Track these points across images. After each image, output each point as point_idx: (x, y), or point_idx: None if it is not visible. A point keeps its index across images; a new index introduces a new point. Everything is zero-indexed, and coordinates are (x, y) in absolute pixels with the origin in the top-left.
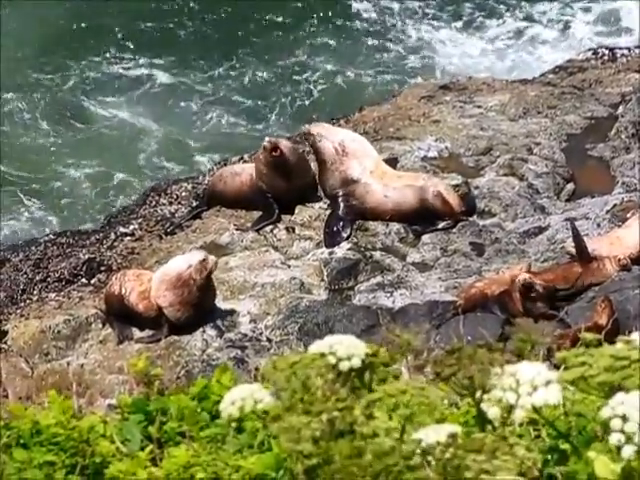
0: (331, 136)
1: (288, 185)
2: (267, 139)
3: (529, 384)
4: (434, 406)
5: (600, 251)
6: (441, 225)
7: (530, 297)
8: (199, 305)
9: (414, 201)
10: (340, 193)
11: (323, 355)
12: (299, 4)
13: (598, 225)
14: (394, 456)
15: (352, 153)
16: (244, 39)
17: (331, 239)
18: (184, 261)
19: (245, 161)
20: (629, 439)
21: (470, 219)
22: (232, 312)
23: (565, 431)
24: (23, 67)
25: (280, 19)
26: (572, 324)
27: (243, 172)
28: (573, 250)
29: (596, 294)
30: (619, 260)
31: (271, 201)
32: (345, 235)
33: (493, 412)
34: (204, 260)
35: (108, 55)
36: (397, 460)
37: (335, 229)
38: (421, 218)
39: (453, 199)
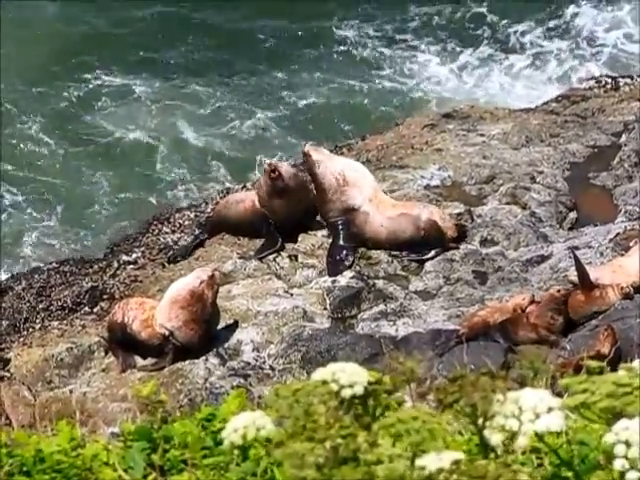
0: (331, 165)
1: (287, 209)
2: (267, 162)
3: (531, 411)
4: (445, 433)
5: (603, 279)
6: (432, 254)
7: (556, 309)
8: (209, 324)
9: (409, 230)
10: (340, 221)
11: (326, 382)
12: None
13: (601, 254)
14: None
15: (352, 182)
16: (244, 62)
17: (334, 268)
18: (194, 278)
19: (248, 189)
20: (633, 465)
21: (471, 247)
22: (235, 340)
23: (567, 459)
24: (24, 79)
25: (276, 46)
26: (575, 352)
27: (246, 199)
28: (576, 279)
29: (599, 322)
30: (622, 288)
31: (273, 228)
32: (348, 263)
33: (496, 439)
34: (212, 276)
35: (111, 67)
36: None
37: (338, 257)
38: (416, 246)
39: (447, 226)
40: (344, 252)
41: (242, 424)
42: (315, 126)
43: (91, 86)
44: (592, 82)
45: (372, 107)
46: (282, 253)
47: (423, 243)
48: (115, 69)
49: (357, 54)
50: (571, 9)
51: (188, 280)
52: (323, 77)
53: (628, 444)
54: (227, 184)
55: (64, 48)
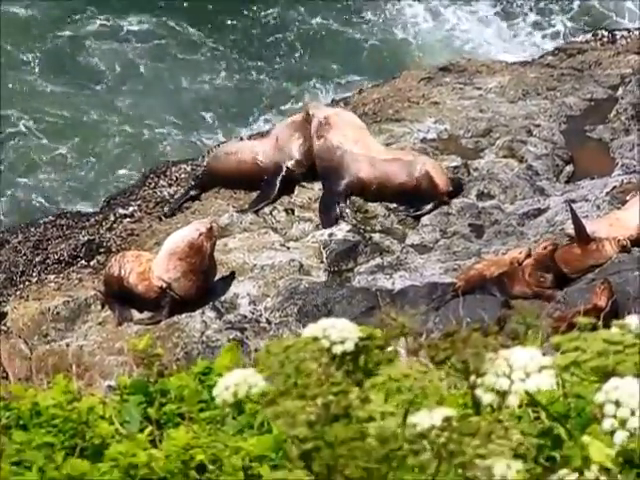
0: (318, 112)
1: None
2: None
3: (522, 370)
4: (437, 389)
5: (599, 233)
6: (427, 208)
7: (544, 267)
8: (207, 275)
9: (401, 176)
10: (328, 165)
11: (316, 339)
12: None
13: (597, 207)
14: (398, 440)
15: (334, 124)
16: (247, 23)
17: (326, 217)
18: (192, 230)
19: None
20: (622, 424)
21: (467, 201)
22: (231, 294)
23: (564, 413)
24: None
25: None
26: (571, 306)
27: (240, 151)
28: (572, 232)
29: (595, 276)
30: (619, 241)
31: (279, 178)
32: (339, 211)
33: (487, 397)
34: (211, 228)
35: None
36: (401, 444)
37: (329, 207)
38: (406, 194)
39: (440, 179)
40: (335, 201)
41: (233, 382)
42: (310, 78)
43: (85, 28)
44: (589, 35)
45: (370, 59)
46: (278, 207)
47: (413, 192)
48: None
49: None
50: None
51: (186, 232)
52: (321, 24)
53: (618, 404)
54: (221, 135)
55: None
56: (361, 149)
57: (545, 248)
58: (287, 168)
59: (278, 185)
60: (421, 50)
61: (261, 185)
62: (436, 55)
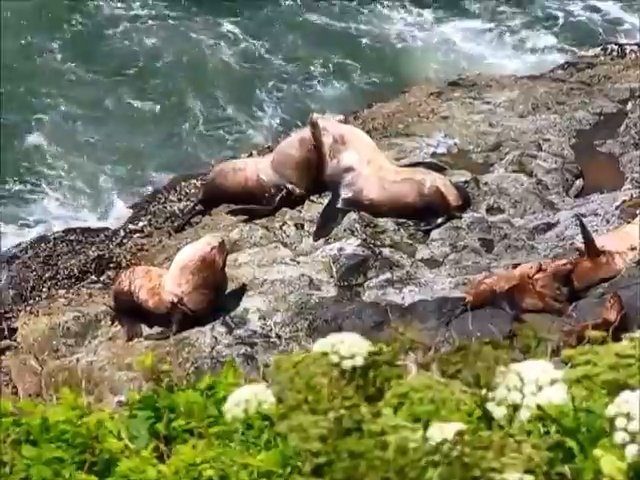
0: (333, 128)
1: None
2: (314, 115)
3: (534, 383)
4: (458, 401)
5: (609, 247)
6: (437, 222)
7: (562, 281)
8: (218, 289)
9: (411, 195)
10: (340, 183)
11: (326, 354)
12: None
13: (607, 221)
14: (418, 452)
15: (350, 142)
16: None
17: (322, 229)
18: (204, 244)
19: (250, 156)
20: (633, 438)
21: (477, 215)
22: (241, 309)
23: (574, 427)
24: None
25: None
26: (581, 320)
27: (247, 167)
28: (582, 246)
29: (605, 290)
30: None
31: (277, 199)
32: (334, 227)
33: (498, 412)
34: (223, 242)
35: None
36: (420, 456)
37: (327, 220)
38: (418, 213)
39: (450, 194)
40: (336, 215)
41: (244, 398)
42: (320, 96)
43: (102, 12)
44: (598, 49)
45: (379, 73)
46: (288, 221)
47: (425, 210)
48: None
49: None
50: None
51: (198, 246)
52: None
53: (629, 417)
54: (232, 152)
55: None
56: (373, 170)
57: (565, 265)
58: (286, 189)
59: (276, 204)
60: (430, 64)
61: (264, 202)
62: (446, 69)
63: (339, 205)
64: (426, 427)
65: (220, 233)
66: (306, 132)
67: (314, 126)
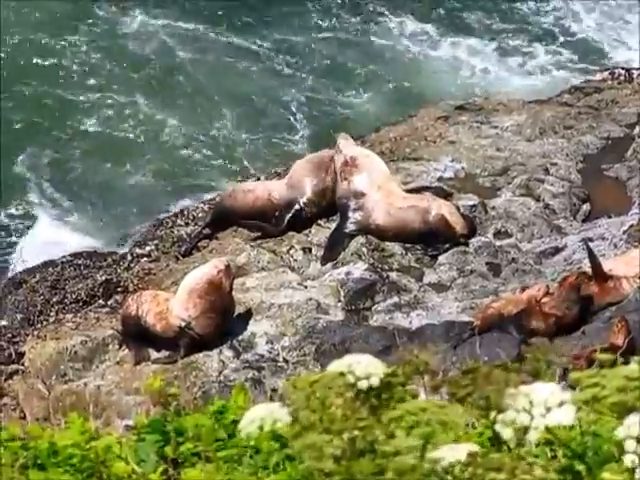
0: (348, 150)
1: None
2: (341, 134)
3: (543, 405)
4: (454, 424)
5: (617, 271)
6: (444, 248)
7: (572, 298)
8: (226, 313)
9: (416, 222)
10: (349, 206)
11: (342, 374)
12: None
13: (615, 245)
14: (415, 474)
15: (362, 166)
16: (265, 50)
17: (329, 253)
18: (211, 267)
19: (259, 179)
20: None
21: (484, 239)
22: (249, 333)
23: (581, 451)
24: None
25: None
26: (589, 344)
27: (256, 188)
28: (589, 270)
29: (613, 314)
30: (638, 278)
31: (289, 215)
32: (341, 251)
33: (508, 433)
34: (229, 265)
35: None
36: (418, 478)
37: (335, 243)
38: (423, 239)
39: (456, 222)
40: (343, 239)
41: (259, 416)
42: (328, 120)
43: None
44: (606, 73)
45: (386, 97)
46: (296, 245)
47: (430, 236)
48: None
49: (373, 42)
50: None
51: (205, 270)
52: (338, 62)
53: (638, 440)
54: (238, 176)
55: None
56: (381, 196)
57: (576, 279)
58: (299, 206)
59: (287, 221)
60: (438, 88)
61: (273, 221)
62: (453, 92)
63: (347, 229)
64: (424, 450)
65: (227, 257)
66: (325, 152)
67: (337, 145)
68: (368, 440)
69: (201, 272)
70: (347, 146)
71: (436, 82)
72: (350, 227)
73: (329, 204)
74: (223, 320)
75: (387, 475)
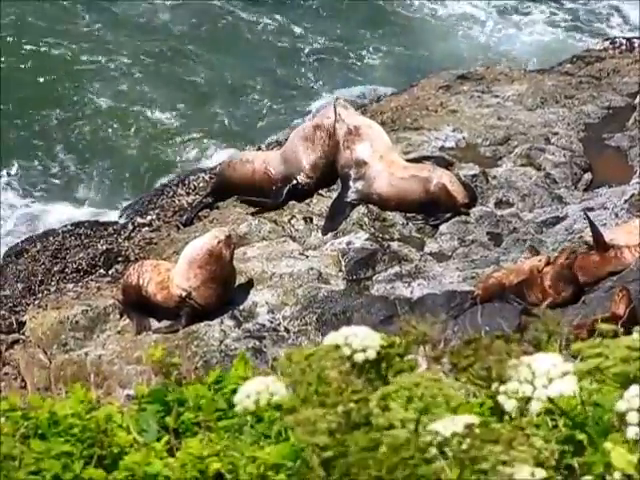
0: (350, 119)
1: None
2: (339, 100)
3: (545, 376)
4: (449, 397)
5: (618, 240)
6: (445, 217)
7: (567, 277)
8: (227, 283)
9: (418, 191)
10: (351, 175)
11: (338, 347)
12: None
13: (616, 215)
14: (410, 449)
15: (365, 135)
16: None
17: (331, 223)
18: (211, 238)
19: (259, 148)
20: None
21: (486, 209)
22: (250, 302)
23: (582, 421)
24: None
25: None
26: (590, 313)
27: (255, 159)
28: (591, 240)
29: (614, 284)
30: (639, 247)
31: (285, 190)
32: (342, 220)
33: (510, 404)
34: (229, 235)
35: None
36: (413, 453)
37: (337, 213)
38: (424, 209)
39: (457, 191)
40: (345, 209)
41: (255, 390)
42: (329, 89)
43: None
44: (607, 43)
45: (387, 66)
46: (297, 215)
47: (431, 206)
48: None
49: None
50: None
51: (205, 240)
52: (339, 35)
53: None
54: (240, 147)
55: None
56: (383, 165)
57: (567, 258)
58: (295, 180)
59: (284, 196)
60: (438, 60)
61: (271, 195)
62: (455, 61)
63: (348, 198)
64: (417, 424)
65: (229, 227)
66: (321, 119)
67: (335, 112)
68: (363, 413)
69: (201, 242)
70: (349, 115)
71: (437, 48)
72: (351, 196)
73: (325, 175)
74: (224, 290)
75: (381, 449)
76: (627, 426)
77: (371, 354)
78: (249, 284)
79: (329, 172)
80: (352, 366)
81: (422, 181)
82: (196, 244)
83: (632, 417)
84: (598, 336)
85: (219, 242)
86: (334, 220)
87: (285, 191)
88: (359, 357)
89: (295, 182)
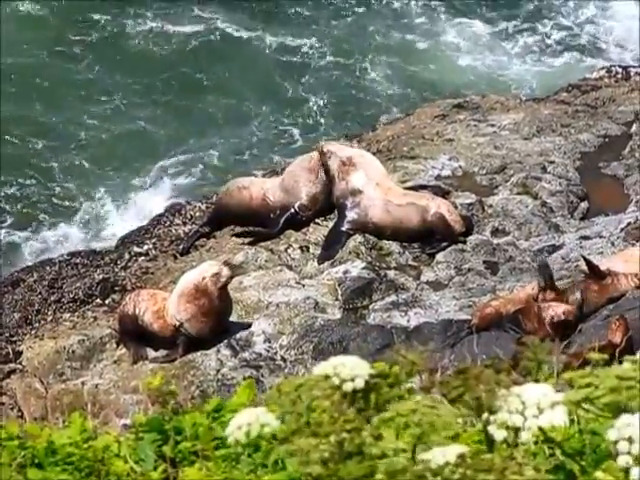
0: (341, 152)
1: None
2: (321, 144)
3: (535, 406)
4: (446, 425)
5: (615, 268)
6: (441, 246)
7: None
8: (219, 315)
9: (415, 220)
10: (347, 205)
11: (328, 377)
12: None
13: (612, 244)
14: (406, 476)
15: (358, 164)
16: (263, 55)
17: (326, 252)
18: (198, 273)
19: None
20: (637, 461)
21: (482, 237)
22: (247, 331)
23: (579, 449)
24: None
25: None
26: (586, 342)
27: (251, 186)
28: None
29: (610, 312)
30: (636, 275)
31: (283, 219)
32: (339, 250)
33: (500, 434)
34: (217, 273)
35: None
36: (410, 479)
37: (333, 243)
38: (421, 237)
39: (455, 221)
40: (340, 239)
41: (246, 421)
42: (325, 118)
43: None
44: (603, 72)
45: (382, 97)
46: (293, 244)
47: (428, 235)
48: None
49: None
50: None
51: (195, 274)
52: (333, 60)
53: (631, 440)
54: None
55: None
56: (379, 193)
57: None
58: (294, 210)
59: (282, 225)
60: (435, 86)
61: (268, 222)
62: (451, 90)
63: (344, 227)
64: (414, 451)
65: (225, 256)
66: (316, 155)
67: (322, 154)
68: (356, 443)
69: (191, 276)
70: (340, 149)
71: (435, 73)
72: (347, 225)
73: (323, 208)
74: (216, 322)
75: (377, 476)
76: (617, 455)
77: (359, 383)
78: (246, 313)
79: (328, 203)
80: (343, 396)
81: (420, 209)
82: (187, 277)
83: (622, 446)
84: (590, 365)
85: (204, 278)
86: (330, 249)
87: (283, 220)
88: (348, 386)
89: (293, 212)
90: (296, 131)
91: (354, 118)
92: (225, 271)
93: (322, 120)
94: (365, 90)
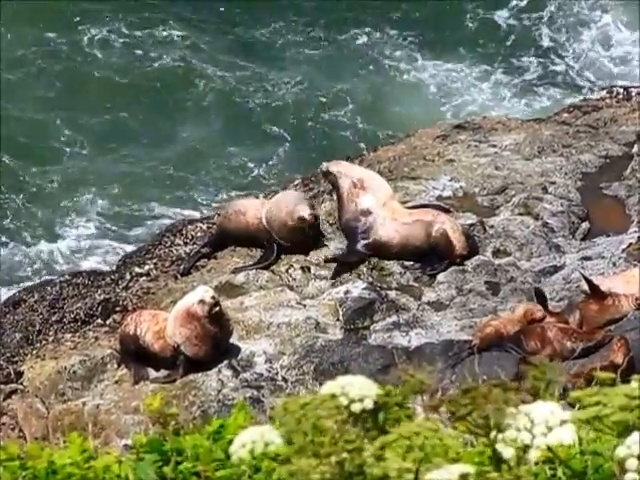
0: (350, 172)
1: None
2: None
3: (543, 424)
4: (448, 447)
5: (616, 289)
6: (442, 267)
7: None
8: (214, 339)
9: (420, 236)
10: (358, 227)
11: (335, 396)
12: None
13: (614, 264)
14: None
15: (369, 187)
16: (256, 75)
17: (340, 273)
18: (191, 297)
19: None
20: None
21: (483, 258)
22: (248, 352)
23: (581, 470)
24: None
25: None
26: (588, 362)
27: (248, 210)
28: (588, 289)
29: (612, 333)
30: (636, 299)
31: (275, 246)
32: (351, 270)
33: (508, 452)
34: (201, 300)
35: None
36: None
37: (346, 265)
38: (424, 254)
39: (457, 239)
40: (354, 260)
41: (250, 439)
42: (326, 139)
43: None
44: (604, 92)
45: (384, 117)
46: (294, 264)
47: (430, 252)
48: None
49: (367, 60)
50: None
51: (188, 298)
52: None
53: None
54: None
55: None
56: (387, 213)
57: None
58: (277, 242)
59: (275, 252)
60: (435, 108)
61: (265, 247)
62: (450, 113)
63: (359, 248)
64: (417, 473)
65: (226, 276)
66: (290, 194)
67: (327, 174)
68: (357, 463)
69: (186, 299)
70: (350, 168)
71: (430, 106)
72: (362, 248)
73: (304, 245)
74: (213, 345)
75: None
76: (625, 473)
77: (368, 404)
78: (246, 333)
79: (307, 244)
80: (349, 416)
81: (425, 225)
82: (183, 300)
83: (631, 464)
84: (596, 384)
85: (193, 303)
86: (344, 270)
87: (276, 247)
88: (356, 407)
89: (276, 244)
90: (296, 155)
91: (322, 156)
92: (208, 299)
93: (324, 142)
94: (334, 125)
